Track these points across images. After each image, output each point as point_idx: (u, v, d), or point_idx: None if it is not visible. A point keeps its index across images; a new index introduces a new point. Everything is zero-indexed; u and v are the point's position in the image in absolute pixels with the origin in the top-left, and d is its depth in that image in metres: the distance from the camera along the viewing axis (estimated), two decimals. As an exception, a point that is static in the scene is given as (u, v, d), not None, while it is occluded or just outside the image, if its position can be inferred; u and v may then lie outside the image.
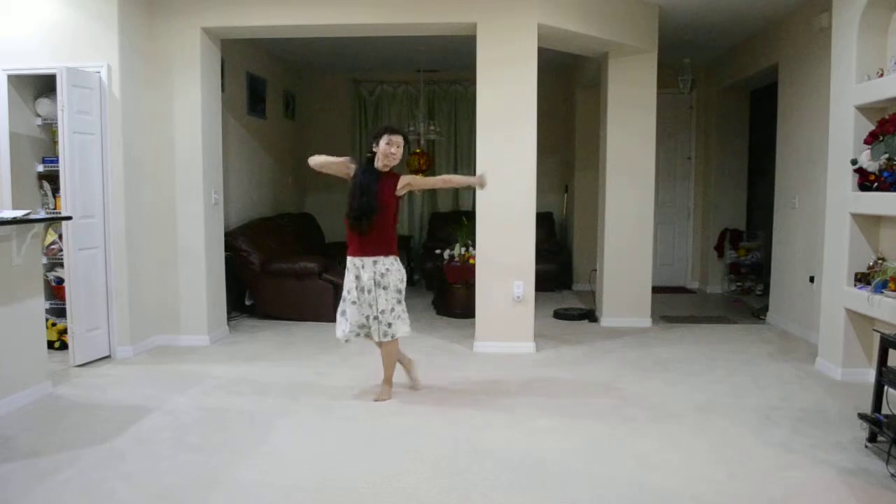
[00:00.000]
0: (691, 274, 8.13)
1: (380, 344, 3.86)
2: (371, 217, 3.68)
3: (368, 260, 3.74)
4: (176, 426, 3.42)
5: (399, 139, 3.76)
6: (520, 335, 4.99)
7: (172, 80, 5.00)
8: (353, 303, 3.81)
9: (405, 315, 3.86)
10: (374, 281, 3.74)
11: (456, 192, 8.70)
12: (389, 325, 3.78)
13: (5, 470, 2.88)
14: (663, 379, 4.30)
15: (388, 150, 3.72)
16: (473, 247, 5.47)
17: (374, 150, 3.78)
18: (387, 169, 3.78)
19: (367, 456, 3.07)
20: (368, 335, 3.87)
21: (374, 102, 8.66)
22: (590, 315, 6.18)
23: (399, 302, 3.81)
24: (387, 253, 3.77)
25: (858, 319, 4.14)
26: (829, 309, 4.38)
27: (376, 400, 3.84)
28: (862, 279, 4.06)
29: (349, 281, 3.82)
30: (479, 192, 5.03)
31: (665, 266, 8.00)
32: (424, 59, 7.51)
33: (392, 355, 3.91)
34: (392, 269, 3.77)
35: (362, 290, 3.78)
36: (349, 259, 3.81)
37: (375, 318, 3.77)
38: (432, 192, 8.74)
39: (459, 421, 3.53)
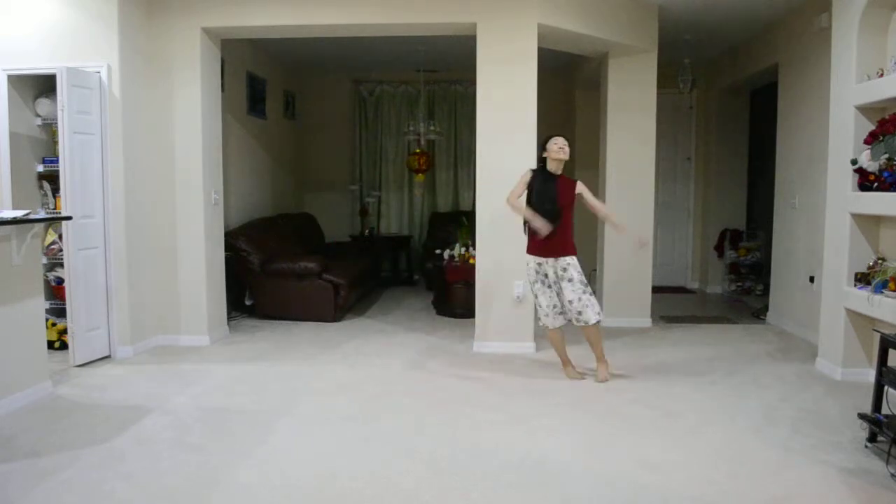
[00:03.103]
0: (691, 274, 8.13)
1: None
2: (558, 219, 4.09)
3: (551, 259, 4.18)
4: (176, 426, 3.42)
5: (562, 140, 4.17)
6: (520, 335, 4.99)
7: (172, 80, 5.00)
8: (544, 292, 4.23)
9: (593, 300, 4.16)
10: (556, 275, 4.19)
11: (456, 192, 8.71)
12: (580, 312, 4.12)
13: (5, 470, 2.88)
14: (663, 379, 4.30)
15: (555, 149, 4.14)
16: (473, 247, 5.47)
17: (543, 155, 4.21)
18: (559, 171, 4.18)
19: (367, 456, 3.07)
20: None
21: (374, 102, 8.66)
22: (590, 315, 6.17)
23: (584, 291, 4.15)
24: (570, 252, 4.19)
25: (858, 319, 4.14)
26: (829, 309, 4.38)
27: (599, 381, 4.20)
28: (862, 279, 4.06)
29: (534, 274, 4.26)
30: (479, 192, 5.04)
31: (665, 266, 7.99)
32: (424, 59, 7.50)
33: (592, 337, 4.24)
34: (572, 264, 4.17)
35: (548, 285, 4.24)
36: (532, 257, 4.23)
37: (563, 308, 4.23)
38: (432, 192, 8.74)
39: (459, 421, 3.53)
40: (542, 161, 4.23)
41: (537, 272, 4.22)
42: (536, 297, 4.28)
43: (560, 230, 4.10)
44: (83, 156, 4.50)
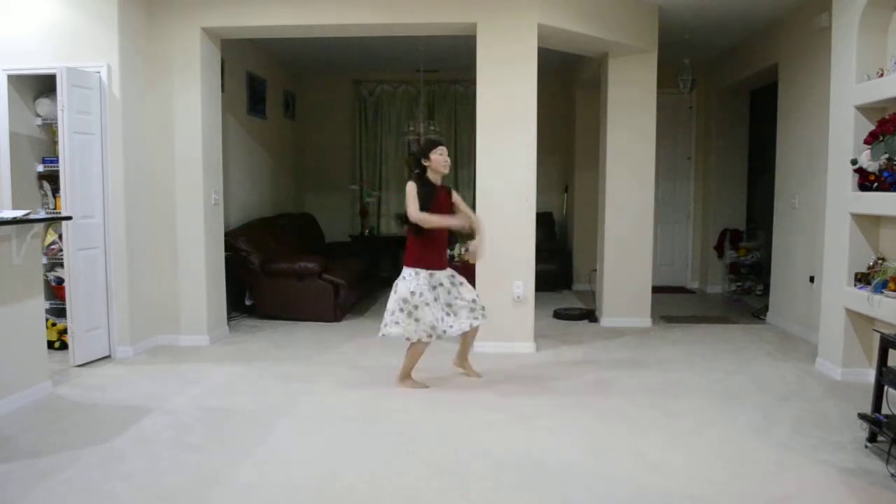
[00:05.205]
0: (691, 274, 8.13)
1: (473, 333, 4.19)
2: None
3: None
4: (176, 426, 3.42)
5: (444, 148, 3.99)
6: (520, 335, 4.99)
7: (172, 80, 5.00)
8: (427, 304, 3.91)
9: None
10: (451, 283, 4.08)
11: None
12: (483, 308, 4.11)
13: (5, 470, 2.87)
14: (663, 379, 4.30)
15: (442, 161, 3.94)
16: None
17: (424, 164, 3.95)
18: (439, 182, 4.00)
19: (367, 456, 3.06)
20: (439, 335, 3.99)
21: (374, 102, 8.66)
22: (590, 315, 6.18)
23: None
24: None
25: (858, 319, 4.14)
26: (829, 309, 4.38)
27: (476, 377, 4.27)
28: (862, 279, 4.06)
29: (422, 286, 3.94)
30: (479, 192, 5.04)
31: (665, 266, 8.00)
32: (424, 59, 7.50)
33: (473, 337, 4.27)
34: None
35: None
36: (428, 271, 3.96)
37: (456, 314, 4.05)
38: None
39: (459, 421, 3.53)
40: (420, 168, 3.95)
41: (430, 284, 3.92)
42: (417, 310, 3.87)
43: (444, 241, 4.04)
44: (83, 156, 4.50)
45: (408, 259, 3.96)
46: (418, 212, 3.83)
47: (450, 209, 4.05)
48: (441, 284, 3.99)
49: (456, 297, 4.03)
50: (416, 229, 3.89)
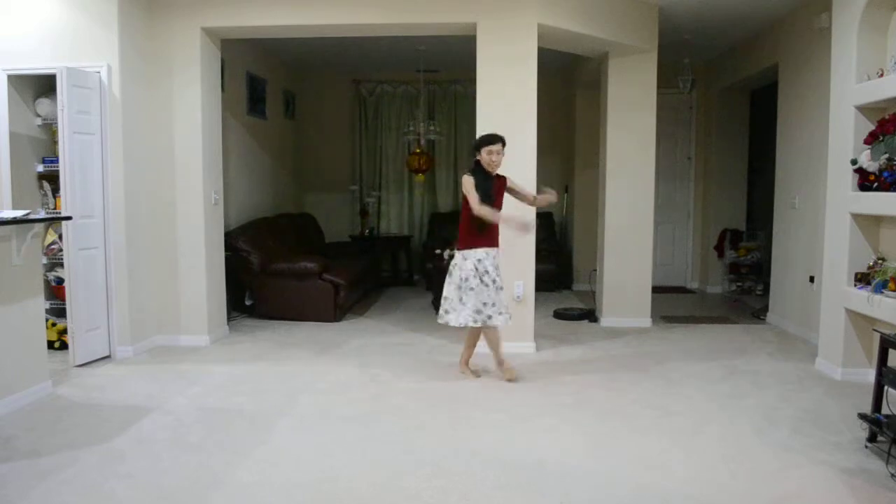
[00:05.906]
0: (691, 274, 8.13)
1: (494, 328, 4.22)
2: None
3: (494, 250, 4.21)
4: (176, 426, 3.42)
5: (497, 147, 4.13)
6: (520, 335, 4.98)
7: (172, 80, 5.00)
8: (472, 289, 4.08)
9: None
10: (496, 268, 4.18)
11: (456, 192, 8.70)
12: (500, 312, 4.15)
13: (5, 470, 2.87)
14: (663, 379, 4.30)
15: (487, 160, 4.12)
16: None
17: (476, 158, 4.17)
18: (494, 172, 4.19)
19: (367, 456, 3.07)
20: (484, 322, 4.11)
21: (374, 102, 8.66)
22: (590, 315, 6.17)
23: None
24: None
25: (858, 319, 4.14)
26: (829, 309, 4.38)
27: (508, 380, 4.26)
28: (862, 279, 4.06)
29: (468, 269, 4.11)
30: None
31: (665, 266, 8.00)
32: (424, 59, 7.51)
33: (497, 338, 4.32)
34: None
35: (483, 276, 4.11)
36: (479, 250, 4.12)
37: (494, 304, 4.11)
38: (432, 192, 8.74)
39: (459, 421, 3.53)
40: (476, 163, 4.17)
41: (477, 269, 4.08)
42: (466, 296, 4.08)
43: (494, 226, 4.18)
44: (83, 156, 4.50)
45: (459, 243, 4.17)
46: (479, 204, 4.02)
47: (502, 195, 4.23)
48: (487, 273, 4.10)
49: (498, 290, 4.14)
50: (472, 215, 4.07)
